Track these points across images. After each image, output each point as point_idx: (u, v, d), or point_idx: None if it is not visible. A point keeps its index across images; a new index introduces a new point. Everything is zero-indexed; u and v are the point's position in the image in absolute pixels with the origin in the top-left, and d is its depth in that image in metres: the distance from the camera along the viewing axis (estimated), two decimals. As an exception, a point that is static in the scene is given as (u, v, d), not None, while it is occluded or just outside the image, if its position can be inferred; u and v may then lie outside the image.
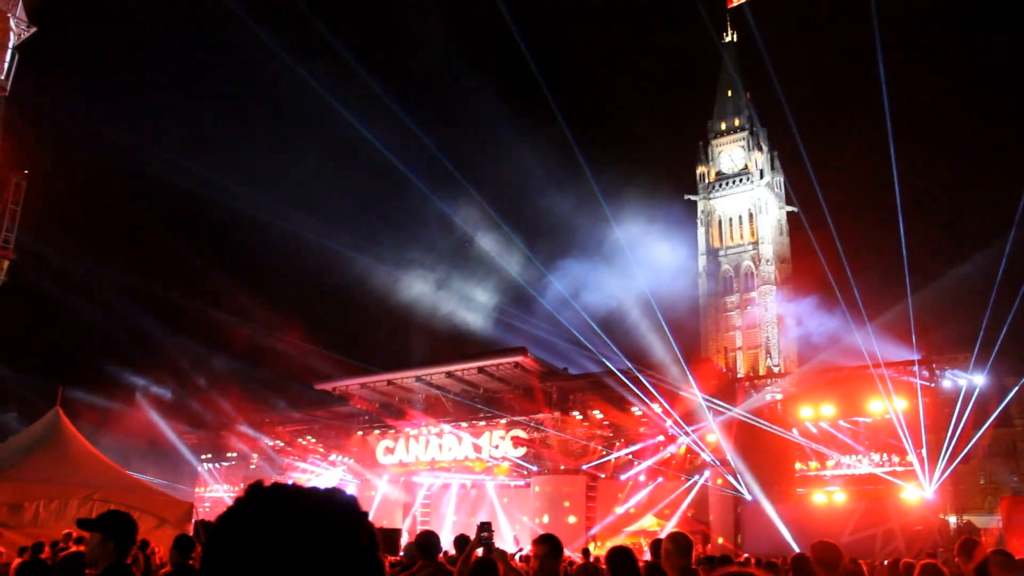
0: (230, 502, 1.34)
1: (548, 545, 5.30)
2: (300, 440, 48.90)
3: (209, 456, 53.85)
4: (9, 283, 50.85)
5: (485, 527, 7.08)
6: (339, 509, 1.28)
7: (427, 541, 6.87)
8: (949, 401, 32.03)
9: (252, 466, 51.72)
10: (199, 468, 51.70)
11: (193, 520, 18.49)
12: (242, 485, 51.91)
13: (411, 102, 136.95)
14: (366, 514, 1.34)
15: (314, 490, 1.30)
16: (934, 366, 32.60)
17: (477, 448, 41.24)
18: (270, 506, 1.25)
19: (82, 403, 45.83)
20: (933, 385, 32.30)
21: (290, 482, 1.37)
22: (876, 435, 33.37)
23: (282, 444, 49.39)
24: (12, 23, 28.28)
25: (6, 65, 28.34)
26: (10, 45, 28.39)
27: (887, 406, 31.51)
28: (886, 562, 15.61)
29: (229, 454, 54.04)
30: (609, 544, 33.11)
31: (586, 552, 23.19)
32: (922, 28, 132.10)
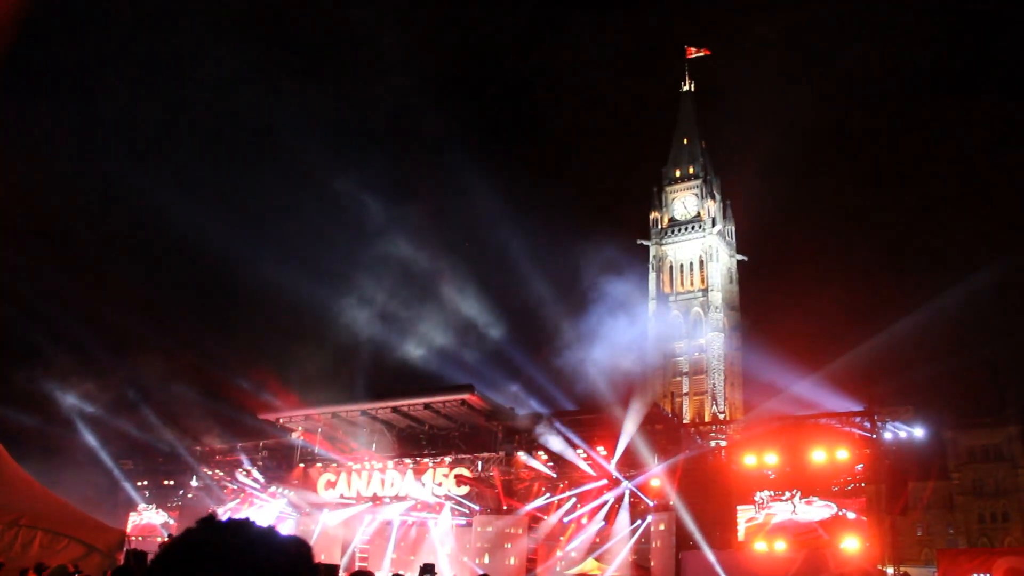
0: (165, 531, 1.26)
1: None
2: (240, 470, 47.83)
3: (145, 483, 52.48)
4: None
5: (428, 569, 6.99)
6: (288, 549, 1.23)
7: None
8: (890, 453, 32.51)
9: (190, 495, 50.42)
10: (134, 494, 50.30)
11: (125, 548, 17.96)
12: (178, 514, 50.96)
13: (369, 135, 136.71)
14: (310, 555, 1.29)
15: (264, 528, 1.25)
16: (876, 418, 33.07)
17: (420, 485, 40.73)
18: (223, 540, 1.19)
19: (12, 422, 44.48)
20: (875, 437, 32.74)
21: (229, 513, 1.32)
22: (818, 485, 33.65)
23: (221, 473, 48.29)
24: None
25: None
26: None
27: (830, 456, 31.86)
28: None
29: (165, 481, 52.70)
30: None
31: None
32: (882, 85, 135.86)
